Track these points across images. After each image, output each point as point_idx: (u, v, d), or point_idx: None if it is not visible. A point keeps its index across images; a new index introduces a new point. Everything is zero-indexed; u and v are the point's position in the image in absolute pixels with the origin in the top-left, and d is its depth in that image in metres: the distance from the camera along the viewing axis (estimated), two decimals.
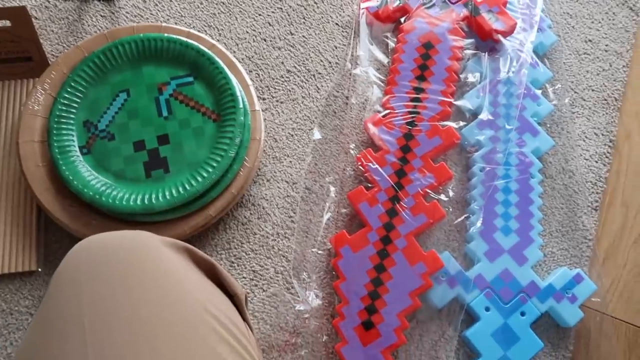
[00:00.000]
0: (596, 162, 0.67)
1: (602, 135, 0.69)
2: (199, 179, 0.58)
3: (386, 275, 0.58)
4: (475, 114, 0.66)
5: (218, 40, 0.71)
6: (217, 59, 0.62)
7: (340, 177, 0.64)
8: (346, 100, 0.68)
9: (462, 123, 0.65)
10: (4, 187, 0.61)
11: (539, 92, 0.67)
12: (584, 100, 0.70)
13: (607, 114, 0.70)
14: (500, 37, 0.68)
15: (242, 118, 0.60)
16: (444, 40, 0.67)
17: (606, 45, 0.73)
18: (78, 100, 0.61)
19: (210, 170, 0.58)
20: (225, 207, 0.59)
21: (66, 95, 0.61)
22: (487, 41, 0.69)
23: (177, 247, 0.45)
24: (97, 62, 0.62)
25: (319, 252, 0.61)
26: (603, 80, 0.71)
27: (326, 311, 0.59)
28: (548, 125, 0.68)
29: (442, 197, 0.62)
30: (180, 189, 0.57)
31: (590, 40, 0.73)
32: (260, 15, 0.73)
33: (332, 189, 0.64)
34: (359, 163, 0.62)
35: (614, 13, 0.75)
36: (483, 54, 0.68)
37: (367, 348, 0.56)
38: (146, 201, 0.56)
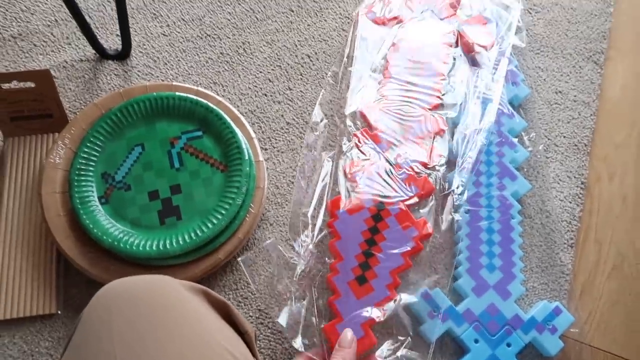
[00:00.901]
0: (570, 202, 0.74)
1: (575, 177, 0.75)
2: (209, 225, 0.63)
3: (380, 236, 0.63)
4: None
5: (223, 96, 0.77)
6: (223, 114, 0.69)
7: (337, 151, 0.70)
8: (342, 92, 0.76)
9: (450, 114, 0.72)
10: (27, 235, 0.66)
11: (515, 140, 0.74)
12: (557, 146, 0.77)
13: (578, 158, 0.76)
14: (480, 50, 0.77)
15: (247, 169, 0.66)
16: (434, 47, 0.76)
17: (575, 96, 0.81)
18: (96, 154, 0.67)
19: (219, 217, 0.63)
20: (232, 250, 0.64)
21: (85, 150, 0.66)
22: (469, 54, 0.78)
23: (195, 289, 0.49)
24: (114, 119, 0.68)
25: (313, 220, 0.66)
26: (573, 128, 0.78)
27: (315, 270, 0.63)
28: (525, 170, 0.75)
29: (434, 173, 0.68)
30: (192, 235, 0.62)
31: (560, 92, 0.81)
32: (261, 72, 0.80)
33: (328, 161, 0.69)
34: (355, 139, 0.68)
35: (580, 67, 0.83)
36: (465, 64, 0.77)
37: (360, 301, 0.60)
38: (161, 247, 0.61)
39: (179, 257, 0.62)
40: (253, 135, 0.70)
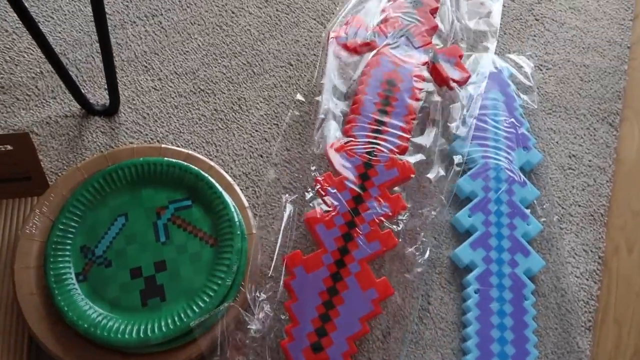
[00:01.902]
0: (587, 280, 0.68)
1: (591, 251, 0.70)
2: (196, 309, 0.57)
3: (338, 298, 0.59)
4: (468, 232, 0.68)
5: (216, 157, 0.72)
6: (214, 182, 0.64)
7: (299, 197, 0.66)
8: (307, 124, 0.72)
9: (419, 157, 0.68)
10: None
11: (527, 210, 0.69)
12: (572, 216, 0.72)
13: (594, 229, 0.72)
14: (455, 85, 0.73)
15: (239, 244, 0.61)
16: (406, 80, 0.72)
17: (589, 161, 0.76)
18: (76, 225, 0.62)
19: (207, 300, 0.58)
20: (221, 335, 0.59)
21: (64, 221, 0.61)
22: (442, 87, 0.73)
23: None
24: (96, 186, 0.63)
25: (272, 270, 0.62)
26: (589, 196, 0.74)
27: (275, 331, 0.60)
28: (538, 242, 0.70)
29: (395, 227, 0.64)
30: (177, 319, 0.57)
31: (574, 156, 0.76)
32: (257, 131, 0.75)
33: (289, 207, 0.65)
34: (319, 185, 0.64)
35: (594, 129, 0.78)
36: (438, 99, 0.73)
37: None
38: (142, 333, 0.56)
39: (162, 344, 0.57)
40: (246, 204, 0.65)
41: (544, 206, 0.71)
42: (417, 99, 0.72)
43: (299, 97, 0.75)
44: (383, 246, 0.61)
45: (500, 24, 0.86)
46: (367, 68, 0.73)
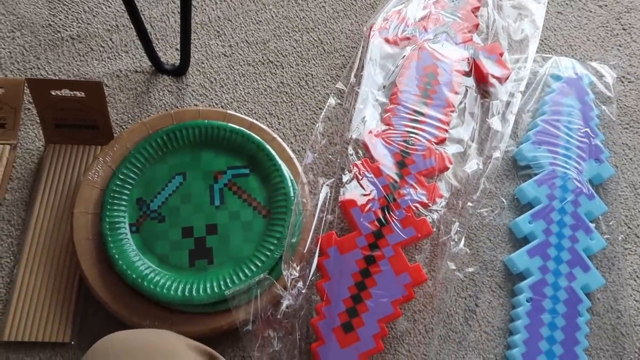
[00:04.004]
0: None
1: None
2: (242, 276, 0.57)
3: (371, 281, 0.59)
4: (526, 239, 0.66)
5: (277, 129, 0.72)
6: (275, 155, 0.63)
7: (335, 181, 0.65)
8: (346, 111, 0.71)
9: (456, 149, 0.67)
10: (52, 253, 0.62)
11: (592, 225, 0.66)
12: (638, 237, 0.68)
13: None
14: (495, 82, 0.72)
15: (292, 218, 0.60)
16: (445, 74, 0.71)
17: None
18: (135, 177, 0.63)
19: (254, 269, 0.58)
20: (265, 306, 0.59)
21: (124, 171, 0.62)
22: (482, 83, 0.72)
23: (200, 350, 0.46)
24: (160, 142, 0.64)
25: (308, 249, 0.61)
26: None
27: (306, 309, 0.59)
28: (599, 260, 0.66)
29: (433, 215, 0.63)
30: (222, 284, 0.57)
31: None
32: (320, 109, 0.74)
33: (325, 190, 0.64)
34: (355, 170, 0.63)
35: None
36: (476, 94, 0.71)
37: (344, 351, 0.56)
38: (186, 292, 0.56)
39: (205, 305, 0.57)
40: (304, 180, 0.65)
41: (610, 223, 0.67)
42: (456, 93, 0.70)
43: (339, 86, 0.74)
44: (418, 232, 0.61)
45: (585, 29, 0.83)
46: (407, 61, 0.72)
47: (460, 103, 0.71)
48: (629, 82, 0.79)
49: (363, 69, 0.73)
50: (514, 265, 0.64)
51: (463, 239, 0.63)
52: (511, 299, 0.64)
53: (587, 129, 0.71)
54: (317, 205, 0.64)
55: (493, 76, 0.72)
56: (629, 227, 0.69)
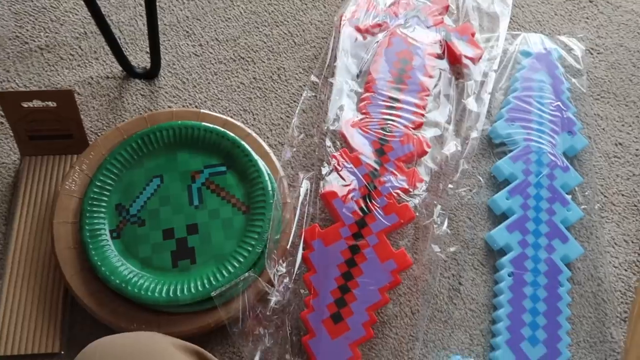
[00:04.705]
0: (625, 270, 0.66)
1: (632, 242, 0.68)
2: (225, 273, 0.58)
3: (357, 270, 0.59)
4: (504, 215, 0.67)
5: (252, 125, 0.72)
6: (250, 150, 0.64)
7: (315, 174, 0.66)
8: (321, 103, 0.72)
9: (433, 133, 0.68)
10: (35, 265, 0.62)
11: (568, 196, 0.67)
12: (614, 205, 0.70)
13: (637, 220, 0.69)
14: (468, 62, 0.72)
15: (271, 212, 0.61)
16: (418, 58, 0.72)
17: (636, 150, 0.73)
18: (112, 183, 0.63)
19: (236, 265, 0.58)
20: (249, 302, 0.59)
21: (101, 178, 0.62)
22: (455, 65, 0.73)
23: (189, 350, 0.46)
24: (134, 146, 0.64)
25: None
26: (633, 185, 0.71)
27: (295, 304, 0.60)
28: (577, 230, 0.67)
29: (414, 200, 0.63)
30: (206, 282, 0.57)
31: (620, 144, 0.73)
32: (294, 102, 0.74)
33: (305, 184, 0.65)
34: (334, 161, 0.64)
35: None
36: (451, 76, 0.72)
37: (335, 341, 0.56)
38: (171, 293, 0.56)
39: (191, 305, 0.57)
40: (282, 173, 0.65)
41: (586, 193, 0.68)
42: (430, 76, 0.71)
43: (313, 78, 0.74)
44: (400, 219, 0.61)
45: (552, 4, 0.83)
46: (379, 48, 0.73)
47: (435, 86, 0.71)
48: (598, 53, 0.80)
49: (336, 60, 0.73)
50: (494, 241, 0.64)
51: (446, 221, 0.64)
52: (493, 275, 0.65)
53: (559, 103, 0.72)
54: (298, 199, 0.64)
55: (466, 57, 0.73)
56: (604, 196, 0.70)
